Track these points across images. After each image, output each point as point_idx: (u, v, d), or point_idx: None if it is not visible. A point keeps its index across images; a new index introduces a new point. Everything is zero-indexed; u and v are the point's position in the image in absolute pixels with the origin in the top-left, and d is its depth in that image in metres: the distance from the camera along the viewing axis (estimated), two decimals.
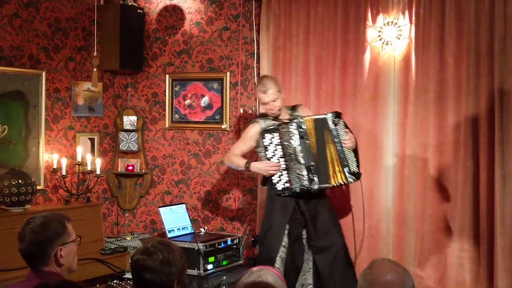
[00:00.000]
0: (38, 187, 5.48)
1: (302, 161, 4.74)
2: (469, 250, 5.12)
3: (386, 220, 5.39)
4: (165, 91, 6.40)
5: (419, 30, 5.28)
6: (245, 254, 5.79)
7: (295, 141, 4.75)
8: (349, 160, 4.79)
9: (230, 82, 6.11)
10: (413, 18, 5.29)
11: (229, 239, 5.46)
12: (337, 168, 4.77)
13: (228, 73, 6.12)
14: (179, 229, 5.52)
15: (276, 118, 4.94)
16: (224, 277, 4.68)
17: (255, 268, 2.80)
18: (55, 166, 5.60)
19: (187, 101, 6.31)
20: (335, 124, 4.79)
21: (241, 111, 6.07)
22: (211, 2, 6.17)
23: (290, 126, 4.78)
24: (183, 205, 5.76)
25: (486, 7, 5.04)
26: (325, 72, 5.59)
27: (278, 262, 4.75)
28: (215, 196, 6.21)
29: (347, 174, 4.76)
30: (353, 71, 5.52)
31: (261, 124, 4.95)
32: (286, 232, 4.79)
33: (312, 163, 4.74)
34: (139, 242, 5.81)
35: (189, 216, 5.73)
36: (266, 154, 4.84)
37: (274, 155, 4.81)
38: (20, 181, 5.08)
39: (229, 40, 6.12)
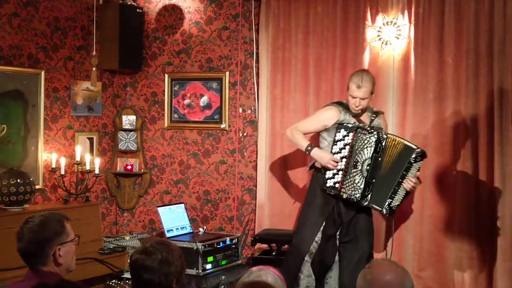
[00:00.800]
0: (37, 187, 5.47)
1: (366, 173, 4.60)
2: (468, 251, 5.13)
3: (385, 220, 5.38)
4: (164, 90, 6.39)
5: (418, 30, 5.29)
6: (244, 253, 5.79)
7: (368, 152, 4.58)
8: (397, 196, 4.64)
9: (229, 81, 6.11)
10: (413, 18, 5.30)
11: (228, 238, 5.46)
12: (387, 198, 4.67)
13: (227, 73, 6.11)
14: (178, 228, 5.51)
15: (355, 116, 4.75)
16: (223, 276, 4.67)
17: (254, 268, 2.79)
18: (54, 166, 5.59)
19: (186, 101, 6.31)
20: (415, 161, 4.58)
21: (240, 110, 6.07)
22: (210, 1, 6.17)
23: (371, 136, 4.58)
24: (182, 205, 5.76)
25: (485, 7, 5.04)
26: (325, 72, 5.59)
27: (307, 256, 4.74)
28: (214, 196, 6.20)
29: (385, 204, 4.63)
30: (352, 71, 5.46)
31: (341, 116, 4.73)
32: (321, 229, 4.74)
33: (374, 181, 4.61)
34: (138, 242, 5.80)
35: (188, 216, 5.72)
36: (332, 148, 4.67)
37: (339, 152, 4.65)
38: (18, 180, 5.07)
39: (228, 39, 6.12)
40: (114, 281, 4.96)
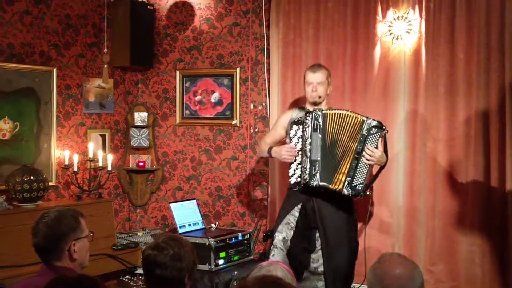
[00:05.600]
0: (50, 184, 5.51)
1: (308, 153, 4.54)
2: (480, 245, 5.11)
3: (397, 216, 5.38)
4: (175, 87, 6.41)
5: (429, 25, 5.27)
6: (256, 249, 5.80)
7: (307, 133, 4.56)
8: (357, 173, 4.50)
9: (240, 78, 6.12)
10: (423, 13, 5.28)
11: (240, 234, 5.48)
12: (340, 175, 4.52)
13: (238, 69, 6.12)
14: (190, 224, 5.53)
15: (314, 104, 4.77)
16: (235, 272, 4.69)
17: (264, 263, 2.81)
18: (66, 163, 5.63)
19: (198, 97, 6.33)
20: (368, 133, 4.49)
21: (252, 107, 6.08)
22: None
23: (307, 117, 4.58)
24: (194, 201, 5.78)
25: (496, 1, 5.02)
26: (335, 68, 5.58)
27: (280, 243, 4.63)
28: (226, 192, 6.22)
29: (346, 183, 4.50)
30: (363, 66, 5.51)
31: (293, 114, 4.83)
32: (294, 216, 4.66)
33: (318, 159, 4.54)
34: (150, 238, 5.83)
35: (200, 212, 5.74)
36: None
37: (295, 148, 4.65)
38: (32, 177, 5.11)
39: (239, 36, 6.13)
40: (127, 277, 4.99)
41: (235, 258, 5.37)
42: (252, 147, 6.08)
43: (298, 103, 5.69)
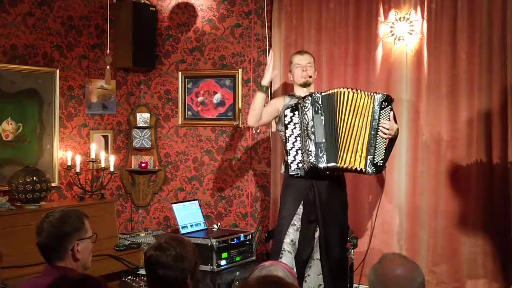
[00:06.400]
0: (53, 184, 5.52)
1: (312, 137, 4.49)
2: (482, 246, 5.11)
3: (399, 216, 5.39)
4: (177, 88, 6.42)
5: (431, 26, 5.27)
6: (258, 250, 5.81)
7: (309, 116, 4.51)
8: (377, 149, 4.50)
9: (242, 78, 6.13)
10: (425, 14, 5.28)
11: (242, 235, 5.48)
12: (360, 153, 4.49)
13: (240, 70, 6.13)
14: (192, 225, 5.54)
15: (304, 85, 4.80)
16: (237, 272, 4.71)
17: (266, 263, 2.81)
18: (69, 163, 5.64)
19: (200, 98, 6.34)
20: (380, 108, 4.49)
21: None
22: None
23: (306, 101, 4.52)
24: (196, 202, 5.78)
25: (498, 2, 5.02)
26: (337, 69, 5.59)
27: (288, 246, 4.61)
28: (228, 193, 6.23)
29: (368, 162, 4.48)
30: (365, 67, 5.52)
31: (286, 100, 4.80)
32: (299, 215, 4.64)
33: (323, 140, 4.49)
34: (152, 239, 5.84)
35: (202, 213, 5.74)
36: (285, 133, 4.63)
37: (292, 134, 4.61)
38: (34, 178, 5.12)
39: (241, 37, 6.14)
40: (129, 277, 4.99)
41: (237, 258, 5.38)
42: (254, 148, 6.09)
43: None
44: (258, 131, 6.05)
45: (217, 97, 6.27)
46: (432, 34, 5.26)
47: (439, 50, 5.24)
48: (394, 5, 5.40)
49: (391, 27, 5.41)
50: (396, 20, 5.39)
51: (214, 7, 6.24)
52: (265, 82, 4.79)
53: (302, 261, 4.68)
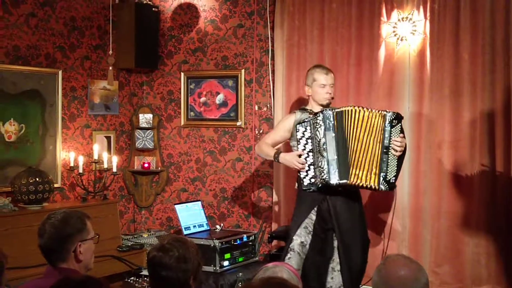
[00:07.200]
0: (56, 185, 5.52)
1: (325, 153, 4.51)
2: (485, 246, 5.10)
3: (402, 217, 5.38)
4: (180, 89, 6.42)
5: (434, 26, 5.26)
6: (261, 250, 5.81)
7: (320, 133, 4.52)
8: (389, 167, 4.52)
9: (245, 79, 6.13)
10: (428, 14, 5.28)
11: (244, 235, 5.47)
12: (373, 170, 4.50)
13: (242, 71, 6.13)
14: (195, 226, 5.53)
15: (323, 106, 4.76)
16: (240, 273, 4.69)
17: (270, 264, 2.81)
18: (72, 164, 5.65)
19: (202, 99, 6.34)
20: (391, 126, 4.50)
21: (256, 108, 6.08)
22: None
23: (318, 117, 4.52)
24: (199, 202, 5.77)
25: (501, 2, 5.01)
26: (340, 69, 5.58)
27: (298, 247, 4.59)
28: (230, 193, 6.23)
29: (381, 179, 4.50)
30: (367, 68, 5.51)
31: (297, 116, 4.79)
32: (311, 220, 4.62)
33: (335, 157, 4.51)
34: (155, 239, 5.84)
35: (205, 213, 5.74)
36: (298, 148, 4.65)
37: (304, 149, 4.61)
38: (37, 179, 5.13)
39: (244, 37, 6.13)
40: (132, 278, 4.99)
41: (240, 259, 5.37)
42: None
43: (303, 103, 5.70)
44: (261, 131, 6.04)
45: (219, 98, 6.26)
46: (435, 34, 5.26)
47: (442, 51, 5.23)
48: (397, 5, 5.39)
49: (394, 27, 5.40)
50: (398, 20, 5.38)
51: (217, 8, 6.24)
52: (282, 159, 4.74)
53: (324, 256, 4.66)
